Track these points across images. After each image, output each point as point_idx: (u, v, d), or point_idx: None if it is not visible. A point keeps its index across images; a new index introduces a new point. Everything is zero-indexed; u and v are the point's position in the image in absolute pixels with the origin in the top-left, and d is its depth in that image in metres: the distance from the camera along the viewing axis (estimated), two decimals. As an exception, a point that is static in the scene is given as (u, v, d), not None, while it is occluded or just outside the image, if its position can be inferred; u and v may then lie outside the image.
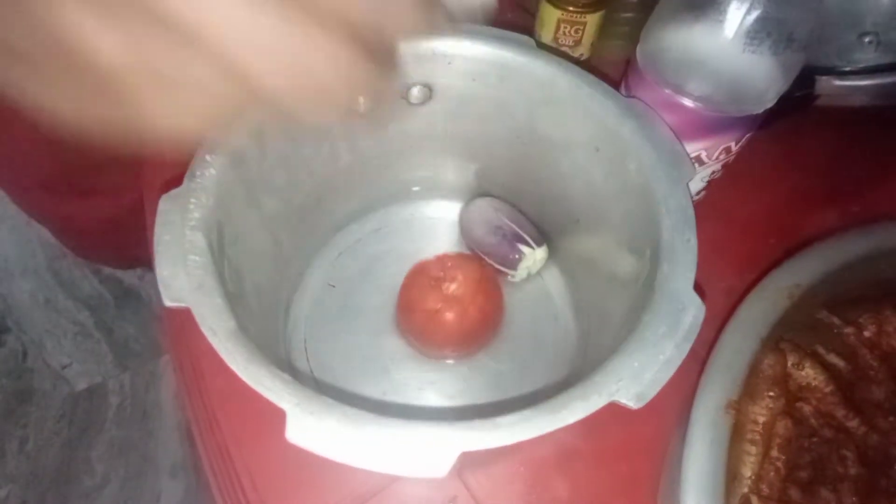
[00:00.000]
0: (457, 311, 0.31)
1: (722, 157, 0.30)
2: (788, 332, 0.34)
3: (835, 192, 0.45)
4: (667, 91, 0.28)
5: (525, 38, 0.30)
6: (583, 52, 0.46)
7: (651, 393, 0.19)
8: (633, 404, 0.19)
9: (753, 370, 0.31)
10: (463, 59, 0.30)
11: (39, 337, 0.95)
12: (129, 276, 0.99)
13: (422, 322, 0.32)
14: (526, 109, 0.31)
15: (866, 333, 0.34)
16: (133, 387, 0.92)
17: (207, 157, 0.25)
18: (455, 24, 0.30)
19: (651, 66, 0.28)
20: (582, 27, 0.44)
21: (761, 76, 0.26)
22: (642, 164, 0.26)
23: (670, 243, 0.23)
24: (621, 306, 0.27)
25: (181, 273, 0.22)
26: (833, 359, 0.34)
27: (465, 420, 0.19)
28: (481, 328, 0.32)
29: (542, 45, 0.30)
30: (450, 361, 0.34)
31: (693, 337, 0.21)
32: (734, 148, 0.30)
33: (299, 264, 0.36)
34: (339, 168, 0.34)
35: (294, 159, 0.31)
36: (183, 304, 0.22)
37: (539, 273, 0.37)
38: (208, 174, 0.25)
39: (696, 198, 0.33)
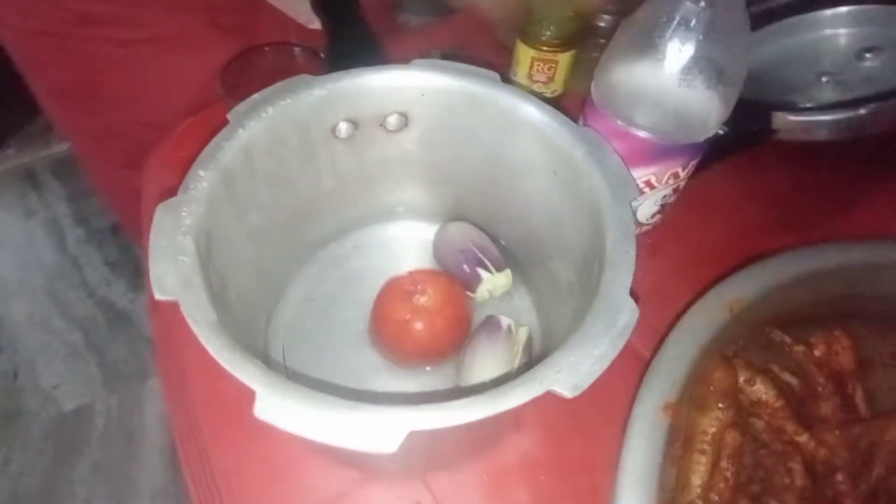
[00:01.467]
0: (425, 322, 0.33)
1: (671, 181, 0.33)
2: (743, 351, 0.36)
3: (794, 220, 0.48)
4: (617, 122, 0.31)
5: (491, 72, 0.33)
6: (556, 88, 0.50)
7: (585, 384, 0.22)
8: (567, 394, 0.21)
9: (703, 382, 0.33)
10: (434, 90, 0.33)
11: (32, 357, 0.97)
12: (122, 299, 1.01)
13: (393, 332, 0.34)
14: (492, 137, 0.34)
15: (816, 352, 0.36)
16: (119, 409, 0.93)
17: (200, 173, 0.28)
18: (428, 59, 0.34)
19: (603, 100, 0.31)
20: (554, 65, 0.48)
21: (698, 108, 0.29)
22: (592, 186, 0.29)
23: (613, 254, 0.26)
24: (573, 312, 0.29)
25: (171, 271, 0.25)
26: (787, 377, 0.36)
27: (415, 403, 0.21)
28: (448, 338, 0.34)
29: (506, 80, 0.34)
30: (423, 370, 0.36)
31: (627, 336, 0.23)
32: (682, 173, 0.33)
33: (281, 277, 0.38)
34: (322, 189, 0.37)
35: (280, 179, 0.34)
36: (171, 298, 0.24)
37: (510, 293, 0.39)
38: (200, 187, 0.28)
39: (651, 220, 0.36)
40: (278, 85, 0.32)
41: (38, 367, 0.95)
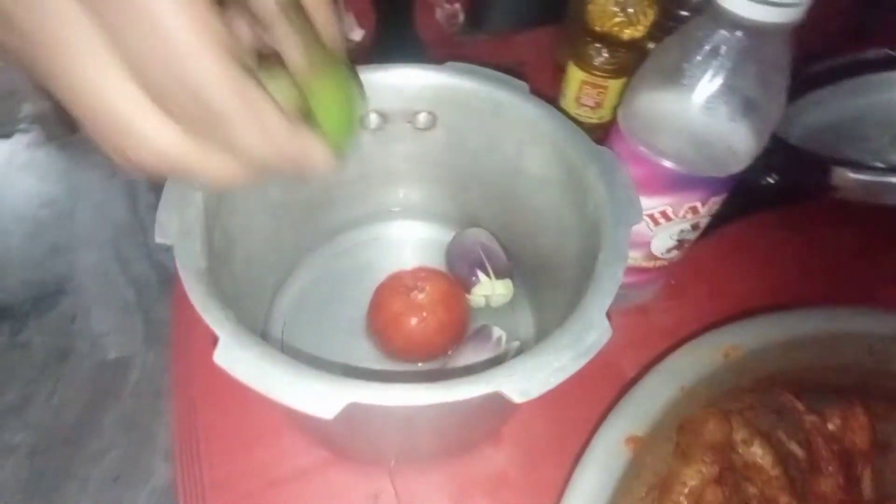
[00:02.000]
0: (417, 318, 0.34)
1: (689, 216, 0.32)
2: (750, 410, 0.34)
3: (839, 283, 0.45)
4: (636, 145, 0.30)
5: (520, 83, 0.34)
6: (604, 115, 0.49)
7: (535, 392, 0.21)
8: (515, 398, 0.21)
9: (691, 431, 0.31)
10: (464, 92, 0.34)
11: (89, 304, 1.05)
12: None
13: (384, 323, 0.35)
14: (514, 147, 0.34)
15: (830, 425, 0.33)
16: (154, 367, 0.98)
17: (224, 136, 0.30)
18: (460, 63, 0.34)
19: (626, 122, 0.31)
20: (604, 91, 0.47)
21: (721, 140, 0.28)
22: (597, 204, 0.28)
23: (599, 272, 0.25)
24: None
25: (175, 219, 0.26)
26: (793, 447, 0.34)
27: (363, 378, 0.21)
28: (438, 338, 0.34)
29: (535, 93, 0.34)
30: (412, 366, 0.36)
31: (592, 353, 0.22)
32: (701, 209, 0.31)
33: (295, 254, 0.40)
34: (345, 176, 0.38)
35: (306, 158, 0.36)
36: (169, 242, 0.26)
37: (512, 305, 0.39)
38: (221, 150, 0.30)
39: (668, 255, 0.35)
40: (315, 69, 0.33)
41: (92, 314, 1.03)
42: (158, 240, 0.26)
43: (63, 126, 1.28)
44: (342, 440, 0.32)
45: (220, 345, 0.22)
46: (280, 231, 0.37)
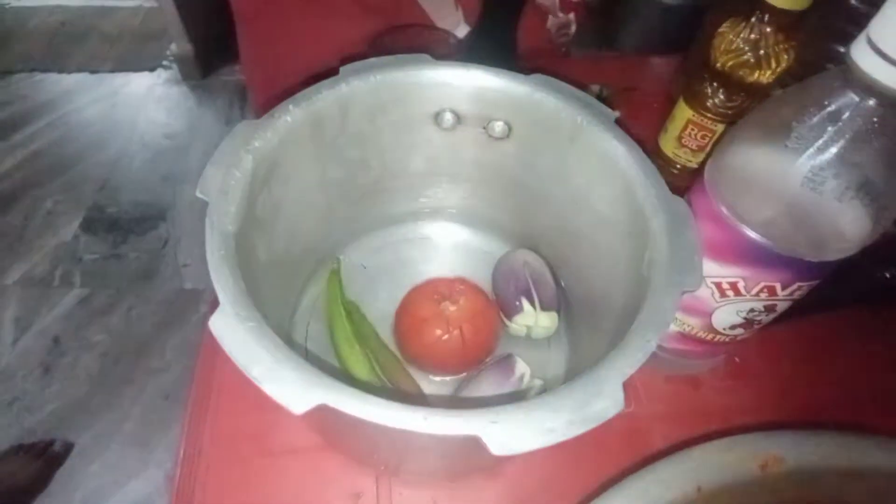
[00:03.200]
0: (441, 329, 0.32)
1: (763, 295, 0.27)
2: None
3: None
4: (719, 205, 0.26)
5: (609, 111, 0.31)
6: (703, 160, 0.45)
7: (516, 448, 0.19)
8: (493, 448, 0.19)
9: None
10: (544, 109, 0.32)
11: (180, 234, 1.13)
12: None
13: (408, 326, 0.34)
14: (585, 177, 0.32)
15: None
16: (222, 305, 1.05)
17: (290, 107, 0.30)
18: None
19: (713, 178, 0.27)
20: (710, 135, 0.43)
21: (821, 219, 0.24)
22: (653, 259, 0.25)
23: (632, 337, 0.22)
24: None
25: (219, 176, 0.27)
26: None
27: (340, 382, 0.20)
28: (456, 355, 0.33)
29: (623, 125, 0.31)
30: (436, 379, 0.35)
31: (593, 424, 0.20)
32: (781, 292, 0.27)
33: (341, 238, 0.40)
34: (410, 169, 0.37)
35: (371, 144, 0.35)
36: (205, 198, 0.26)
37: (549, 339, 0.36)
38: (283, 120, 0.30)
39: (731, 331, 0.30)
40: (397, 57, 0.33)
41: (181, 244, 1.12)
42: (198, 194, 0.26)
43: (198, 69, 1.40)
44: (333, 434, 0.31)
45: (219, 311, 0.22)
46: (331, 211, 0.37)
